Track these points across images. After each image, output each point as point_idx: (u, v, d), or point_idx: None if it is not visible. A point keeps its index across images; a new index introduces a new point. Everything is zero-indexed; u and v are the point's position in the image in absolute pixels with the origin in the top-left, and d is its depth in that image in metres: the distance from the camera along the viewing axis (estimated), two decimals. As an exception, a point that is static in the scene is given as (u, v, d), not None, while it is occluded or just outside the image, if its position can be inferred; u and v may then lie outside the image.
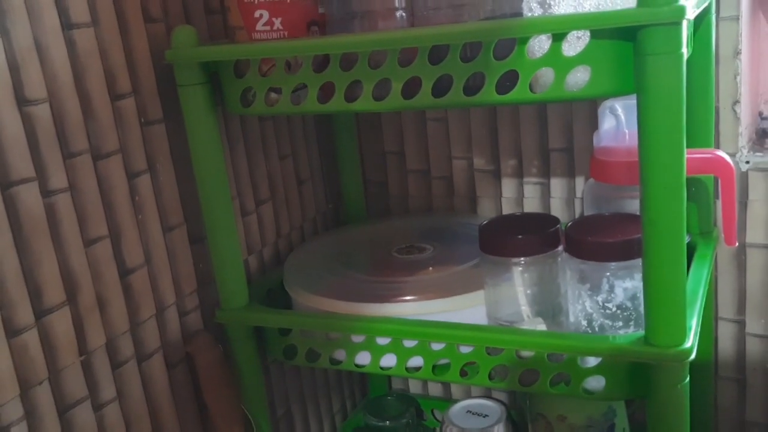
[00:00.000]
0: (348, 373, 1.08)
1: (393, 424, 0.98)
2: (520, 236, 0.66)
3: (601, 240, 0.63)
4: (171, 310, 0.74)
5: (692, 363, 0.61)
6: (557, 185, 0.93)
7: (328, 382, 1.02)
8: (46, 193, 0.60)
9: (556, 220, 0.68)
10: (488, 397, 0.99)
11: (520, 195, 0.96)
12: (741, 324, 0.89)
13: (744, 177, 0.83)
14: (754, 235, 0.85)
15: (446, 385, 1.10)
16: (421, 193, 1.01)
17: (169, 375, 0.74)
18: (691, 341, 0.60)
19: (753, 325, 0.88)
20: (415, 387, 1.13)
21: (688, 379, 0.61)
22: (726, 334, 0.90)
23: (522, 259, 0.66)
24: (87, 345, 0.64)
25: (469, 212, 0.99)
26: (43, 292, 0.60)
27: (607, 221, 0.67)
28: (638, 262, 0.60)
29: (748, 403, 0.91)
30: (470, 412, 0.94)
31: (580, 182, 0.92)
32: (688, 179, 0.57)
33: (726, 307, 0.89)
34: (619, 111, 0.68)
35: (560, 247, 0.67)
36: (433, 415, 1.07)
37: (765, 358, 0.89)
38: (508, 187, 0.96)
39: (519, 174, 0.95)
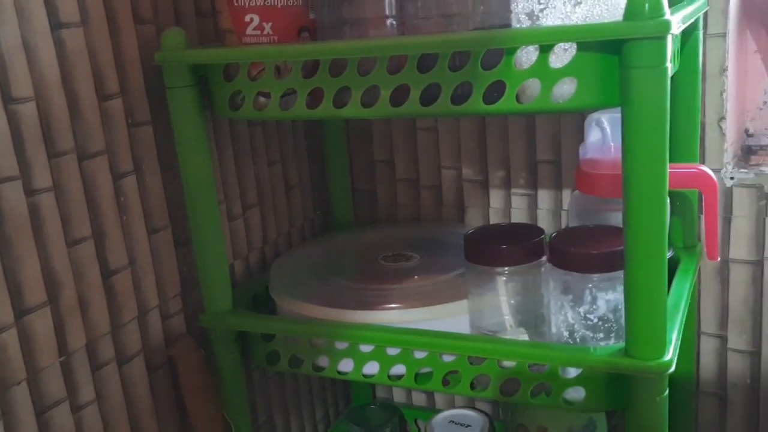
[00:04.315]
0: (331, 381, 1.08)
1: (375, 433, 0.98)
2: (504, 246, 0.66)
3: (585, 251, 0.63)
4: (153, 313, 0.74)
5: (674, 378, 0.62)
6: (544, 197, 0.94)
7: (311, 390, 1.02)
8: (29, 192, 0.60)
9: (540, 231, 0.68)
10: (471, 407, 0.99)
11: (508, 206, 0.96)
12: (723, 339, 0.89)
13: (728, 193, 0.84)
14: (737, 251, 0.86)
15: (430, 395, 1.10)
16: (410, 202, 1.02)
17: (149, 378, 0.73)
18: (670, 354, 0.60)
19: (735, 341, 0.89)
20: (398, 396, 1.12)
21: (667, 391, 0.61)
22: (708, 349, 0.90)
23: (506, 268, 0.66)
24: (67, 346, 0.64)
25: (456, 222, 0.99)
26: (24, 292, 0.60)
27: (590, 233, 0.67)
28: (621, 274, 0.60)
29: (729, 418, 0.92)
30: (453, 422, 0.94)
31: (566, 194, 0.92)
32: (673, 194, 0.57)
33: (708, 322, 0.90)
34: (605, 124, 0.68)
35: (544, 258, 0.67)
36: (416, 425, 1.07)
37: (746, 373, 0.89)
38: (495, 197, 0.96)
39: (507, 185, 0.95)
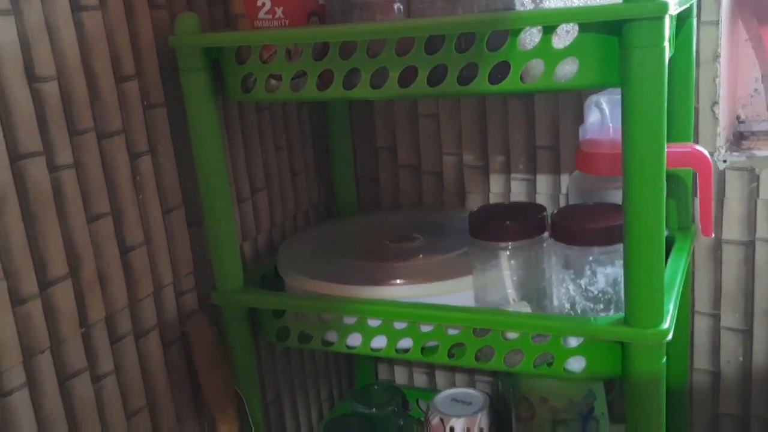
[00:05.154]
0: (335, 362, 1.10)
1: (379, 412, 1.01)
2: (508, 222, 0.69)
3: (585, 226, 0.66)
4: (168, 290, 0.76)
5: (669, 355, 0.64)
6: (543, 181, 0.96)
7: (316, 372, 1.05)
8: (52, 167, 0.63)
9: (542, 208, 0.71)
10: (472, 387, 1.02)
11: (508, 190, 0.99)
12: (716, 318, 0.92)
13: (721, 176, 0.87)
14: (730, 232, 0.89)
15: (431, 376, 1.13)
16: (412, 188, 1.04)
17: (164, 353, 0.75)
18: (668, 323, 0.63)
19: (728, 319, 0.92)
20: (401, 378, 1.15)
21: (664, 359, 0.64)
22: (702, 327, 0.93)
23: (509, 243, 0.69)
24: (87, 318, 0.66)
25: (458, 206, 1.02)
26: (47, 264, 0.62)
27: (590, 209, 0.70)
28: (620, 247, 0.63)
29: (722, 395, 0.95)
30: (455, 400, 0.97)
31: (565, 179, 0.95)
32: (667, 177, 0.60)
33: (702, 302, 0.93)
34: (604, 105, 0.71)
35: (546, 234, 0.70)
36: (418, 405, 1.09)
37: (739, 351, 0.92)
38: (496, 182, 0.99)
39: (506, 170, 0.98)
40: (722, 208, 0.88)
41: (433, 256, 0.82)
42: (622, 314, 0.64)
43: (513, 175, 0.98)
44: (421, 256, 0.82)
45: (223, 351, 0.79)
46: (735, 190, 0.87)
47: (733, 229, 0.88)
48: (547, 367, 0.69)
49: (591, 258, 0.66)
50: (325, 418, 1.06)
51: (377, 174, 1.06)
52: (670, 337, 0.63)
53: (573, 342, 0.68)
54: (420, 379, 1.14)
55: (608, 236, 0.65)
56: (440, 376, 1.12)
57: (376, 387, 1.07)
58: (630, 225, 0.61)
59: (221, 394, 0.78)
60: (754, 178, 0.86)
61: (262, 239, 0.91)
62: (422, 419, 0.96)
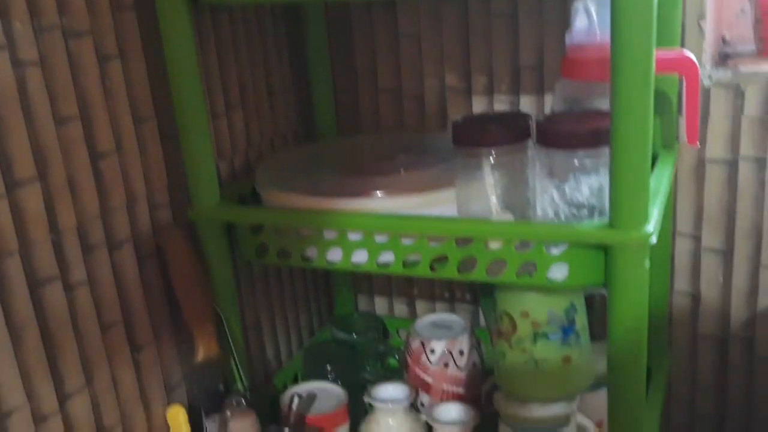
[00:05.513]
0: (314, 291, 1.09)
1: (359, 339, 1.00)
2: (492, 126, 0.67)
3: (571, 128, 0.64)
4: (141, 203, 0.74)
5: (650, 277, 0.64)
6: (527, 103, 0.95)
7: (295, 298, 1.03)
8: (16, 62, 0.59)
9: (527, 115, 0.69)
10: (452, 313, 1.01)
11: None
12: (697, 239, 0.92)
13: (706, 93, 0.86)
14: (713, 150, 0.88)
15: (411, 306, 1.12)
16: (393, 111, 1.02)
17: (139, 266, 0.73)
18: (652, 226, 0.62)
19: (709, 240, 0.92)
20: (381, 308, 1.14)
21: (648, 263, 0.64)
22: (683, 249, 0.93)
23: (493, 149, 0.67)
24: (58, 223, 0.64)
25: (440, 130, 1.00)
26: (13, 164, 0.60)
27: (577, 115, 0.69)
28: (606, 150, 0.62)
29: (701, 316, 0.95)
30: (435, 324, 0.96)
31: (548, 99, 0.93)
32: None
33: (684, 223, 0.92)
34: (592, 9, 0.69)
35: (531, 140, 0.68)
36: (398, 335, 1.09)
37: (719, 272, 0.92)
38: (478, 105, 0.97)
39: (490, 92, 0.96)
40: (706, 126, 0.87)
41: (416, 170, 0.80)
42: (606, 219, 0.63)
43: (496, 96, 0.96)
44: (402, 170, 0.81)
45: (200, 266, 0.77)
46: (720, 107, 0.86)
47: (716, 147, 0.88)
48: (529, 277, 0.69)
49: (576, 162, 0.65)
50: (305, 345, 1.05)
51: (357, 98, 1.03)
52: (654, 239, 0.62)
53: (556, 250, 0.67)
54: (400, 309, 1.13)
55: (594, 139, 0.64)
56: (420, 306, 1.12)
57: (356, 315, 1.07)
58: (617, 126, 0.59)
59: (199, 310, 0.77)
60: (739, 95, 0.85)
61: (238, 159, 0.89)
62: (403, 348, 0.95)
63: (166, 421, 0.76)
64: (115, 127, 0.69)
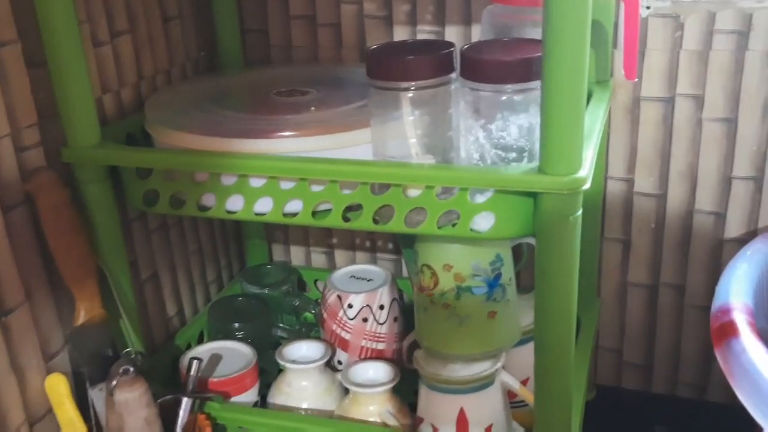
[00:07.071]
0: (223, 242, 1.00)
1: (271, 292, 0.92)
2: (411, 57, 0.59)
3: (499, 59, 0.57)
4: (5, 143, 0.63)
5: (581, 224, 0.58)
6: (452, 33, 0.87)
7: (201, 250, 0.94)
8: None
9: (450, 44, 0.61)
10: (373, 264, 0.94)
11: (413, 45, 0.88)
12: (630, 183, 0.87)
13: (643, 24, 0.80)
14: (649, 88, 0.82)
15: (330, 256, 1.05)
16: (306, 42, 0.92)
17: (5, 218, 0.63)
18: (586, 171, 0.56)
19: (642, 184, 0.87)
20: (297, 259, 1.06)
21: (580, 211, 0.57)
22: (615, 192, 0.88)
23: (412, 83, 0.59)
24: None
25: (357, 62, 0.91)
26: None
27: (505, 44, 0.61)
28: (536, 84, 0.55)
29: (631, 262, 0.91)
30: (354, 276, 0.89)
31: (476, 30, 0.85)
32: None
33: (616, 166, 0.87)
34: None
35: (454, 75, 0.61)
36: (316, 286, 1.02)
37: (651, 217, 0.88)
38: (400, 35, 0.89)
39: (412, 20, 0.87)
40: (642, 61, 0.81)
41: (327, 108, 0.71)
42: (536, 163, 0.57)
43: (419, 27, 0.87)
44: (313, 108, 0.72)
45: (78, 216, 0.67)
46: (657, 40, 0.80)
47: (653, 84, 0.82)
48: (451, 228, 0.62)
49: (504, 98, 0.57)
50: (212, 300, 0.96)
51: (266, 26, 0.93)
52: (587, 185, 0.56)
53: (481, 197, 0.60)
54: (318, 260, 1.05)
55: (525, 71, 0.56)
56: (340, 256, 1.04)
57: (268, 266, 0.98)
58: (549, 58, 0.52)
59: (79, 266, 0.67)
60: (678, 26, 0.79)
61: (127, 94, 0.78)
62: (320, 300, 0.88)
63: (45, 391, 0.67)
64: (-38, 51, 0.58)
